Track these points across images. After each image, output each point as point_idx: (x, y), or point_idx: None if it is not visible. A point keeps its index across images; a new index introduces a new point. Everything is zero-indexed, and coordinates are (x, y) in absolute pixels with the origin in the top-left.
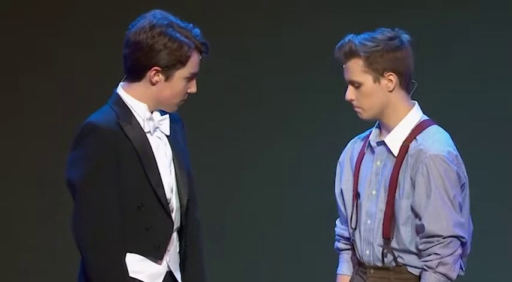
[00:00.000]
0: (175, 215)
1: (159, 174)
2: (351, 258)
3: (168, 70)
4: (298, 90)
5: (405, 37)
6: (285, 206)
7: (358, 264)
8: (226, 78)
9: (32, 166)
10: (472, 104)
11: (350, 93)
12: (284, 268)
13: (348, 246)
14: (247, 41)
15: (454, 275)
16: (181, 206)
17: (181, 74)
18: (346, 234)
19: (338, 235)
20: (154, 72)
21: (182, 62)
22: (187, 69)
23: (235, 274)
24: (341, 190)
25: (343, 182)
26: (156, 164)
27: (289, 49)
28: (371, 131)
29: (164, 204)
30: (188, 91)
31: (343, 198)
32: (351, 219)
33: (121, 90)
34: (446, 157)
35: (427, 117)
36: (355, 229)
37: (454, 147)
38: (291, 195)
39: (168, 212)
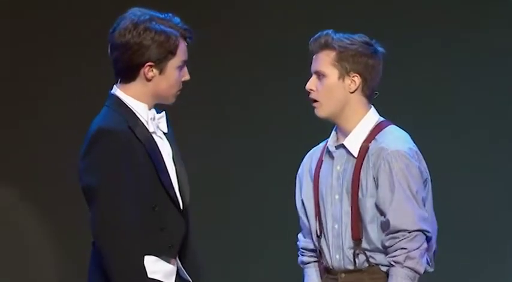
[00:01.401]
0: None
1: (169, 174)
2: (319, 267)
3: (160, 63)
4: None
5: (380, 49)
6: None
7: (327, 272)
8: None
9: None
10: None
11: (312, 83)
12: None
13: (314, 259)
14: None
15: (421, 269)
16: (183, 203)
17: (173, 64)
18: (311, 246)
19: (302, 249)
20: (148, 68)
21: (172, 52)
22: (178, 58)
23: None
24: (302, 202)
25: (304, 193)
26: (165, 164)
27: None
28: (327, 140)
29: (176, 203)
30: (182, 79)
31: (305, 210)
32: (316, 227)
33: (119, 92)
34: (407, 153)
35: (384, 119)
36: (320, 237)
37: (414, 144)
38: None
39: (180, 211)
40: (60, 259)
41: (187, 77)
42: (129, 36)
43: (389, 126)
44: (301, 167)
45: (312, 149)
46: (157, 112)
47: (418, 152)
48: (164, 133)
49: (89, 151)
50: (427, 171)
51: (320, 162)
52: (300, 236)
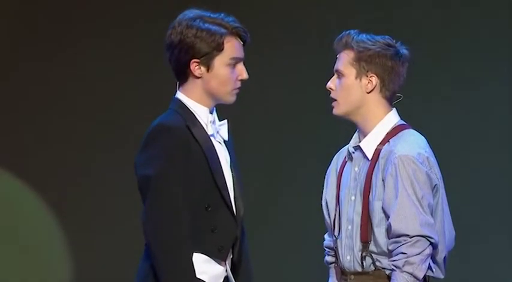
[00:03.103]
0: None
1: (224, 177)
2: (335, 268)
3: (206, 60)
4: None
5: (403, 51)
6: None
7: (341, 273)
8: None
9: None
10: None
11: (331, 82)
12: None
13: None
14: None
15: (420, 275)
16: (237, 210)
17: (221, 61)
18: (333, 245)
19: (326, 248)
20: (194, 65)
21: (217, 49)
22: (226, 54)
23: None
24: (326, 201)
25: (328, 192)
26: (221, 166)
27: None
28: None
29: (229, 206)
30: (239, 78)
31: (328, 209)
32: (334, 227)
33: (180, 95)
34: (415, 158)
35: (404, 122)
36: (337, 237)
37: (427, 149)
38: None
39: (233, 214)
40: (71, 258)
41: (244, 75)
42: (174, 35)
43: (406, 130)
44: (329, 167)
45: (341, 149)
46: (220, 120)
47: (431, 158)
48: (224, 141)
49: (146, 146)
50: (439, 178)
51: (344, 163)
52: (325, 235)
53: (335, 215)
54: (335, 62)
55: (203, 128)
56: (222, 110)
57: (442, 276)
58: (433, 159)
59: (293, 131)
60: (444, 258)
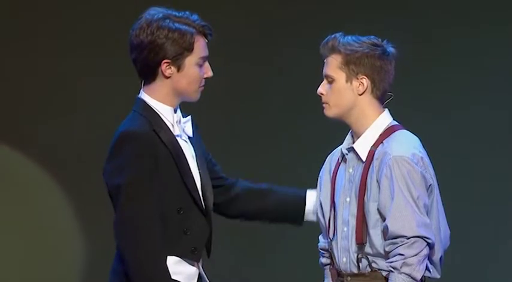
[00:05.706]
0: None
1: (193, 177)
2: (330, 270)
3: (177, 60)
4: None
5: (390, 49)
6: None
7: (337, 274)
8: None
9: None
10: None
11: (322, 87)
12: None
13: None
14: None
15: (418, 276)
16: (206, 207)
17: (191, 61)
18: (327, 247)
19: (321, 249)
20: (165, 65)
21: (188, 49)
22: (196, 54)
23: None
24: (320, 202)
25: (322, 193)
26: (189, 167)
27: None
28: None
29: (200, 207)
30: (205, 76)
31: (322, 210)
32: (329, 229)
33: (144, 96)
34: (409, 158)
35: (397, 123)
36: (332, 239)
37: (421, 150)
38: None
39: (204, 215)
40: (86, 253)
41: (209, 73)
42: (143, 36)
43: (399, 130)
44: (322, 168)
45: (334, 150)
46: (184, 116)
47: (425, 158)
48: (189, 137)
49: (113, 154)
50: (434, 178)
51: (338, 164)
52: (320, 237)
53: (330, 217)
54: (323, 67)
55: (169, 129)
56: (220, 109)
57: (438, 276)
58: (427, 160)
59: (286, 131)
60: (440, 258)
